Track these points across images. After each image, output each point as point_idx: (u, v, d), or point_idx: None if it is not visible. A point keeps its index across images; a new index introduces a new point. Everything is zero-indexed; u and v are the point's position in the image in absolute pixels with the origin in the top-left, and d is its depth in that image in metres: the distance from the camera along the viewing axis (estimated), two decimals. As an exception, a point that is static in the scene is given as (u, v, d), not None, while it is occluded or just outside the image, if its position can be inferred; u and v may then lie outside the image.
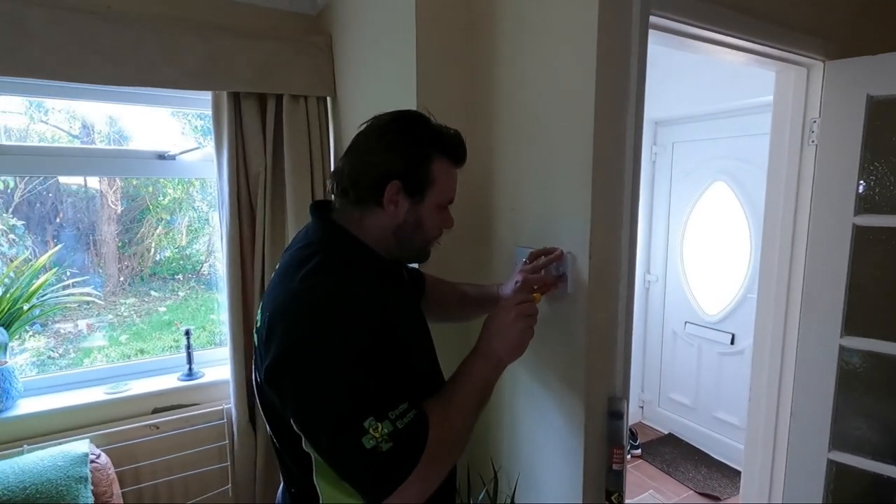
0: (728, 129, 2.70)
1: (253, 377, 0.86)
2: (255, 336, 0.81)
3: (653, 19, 1.04)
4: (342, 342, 0.69)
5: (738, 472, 2.67)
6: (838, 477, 1.50)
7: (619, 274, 1.06)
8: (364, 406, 0.67)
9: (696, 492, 2.57)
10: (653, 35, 1.06)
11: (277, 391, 0.73)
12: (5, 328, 1.50)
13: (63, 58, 1.41)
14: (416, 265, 1.11)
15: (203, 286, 2.10)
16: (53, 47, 1.40)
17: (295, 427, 0.74)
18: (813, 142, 1.45)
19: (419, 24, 1.25)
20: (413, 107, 1.25)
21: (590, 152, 0.99)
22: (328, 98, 1.84)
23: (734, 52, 1.27)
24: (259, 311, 0.81)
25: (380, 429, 0.66)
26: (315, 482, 0.78)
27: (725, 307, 2.78)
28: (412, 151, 0.81)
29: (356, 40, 1.62)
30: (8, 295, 1.53)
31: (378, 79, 1.51)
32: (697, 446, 2.96)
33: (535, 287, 0.98)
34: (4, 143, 1.59)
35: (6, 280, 1.55)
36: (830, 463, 1.49)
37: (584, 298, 1.02)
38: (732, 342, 2.75)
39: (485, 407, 0.82)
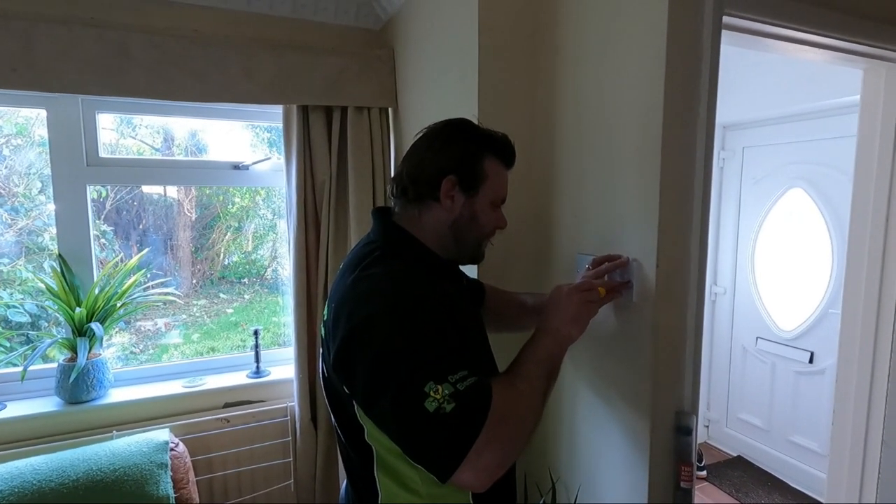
0: (806, 133, 2.53)
1: (319, 371, 0.90)
2: (322, 329, 0.86)
3: (726, 20, 1.00)
4: (401, 316, 0.73)
5: (818, 503, 2.46)
6: (940, 514, 1.35)
7: (689, 283, 1.01)
8: (423, 372, 0.69)
9: (769, 521, 2.40)
10: (726, 36, 1.02)
11: (345, 374, 0.76)
12: (100, 323, 1.65)
13: (159, 78, 1.56)
14: (475, 276, 1.12)
15: (266, 290, 2.21)
16: (150, 69, 1.55)
17: (359, 415, 0.78)
18: (908, 144, 1.34)
19: (482, 35, 1.27)
20: (474, 116, 1.27)
21: (658, 157, 0.96)
22: (390, 109, 1.90)
23: (817, 50, 1.20)
24: (326, 306, 0.86)
25: (440, 391, 0.67)
26: (375, 476, 0.80)
27: (803, 323, 2.58)
28: (465, 149, 0.87)
29: (418, 53, 1.67)
30: (103, 293, 1.68)
31: (439, 90, 1.55)
32: (770, 471, 2.76)
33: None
34: (105, 156, 1.76)
35: (100, 282, 1.71)
36: (931, 498, 1.34)
37: (651, 308, 0.99)
38: (811, 361, 2.54)
39: (554, 382, 0.82)
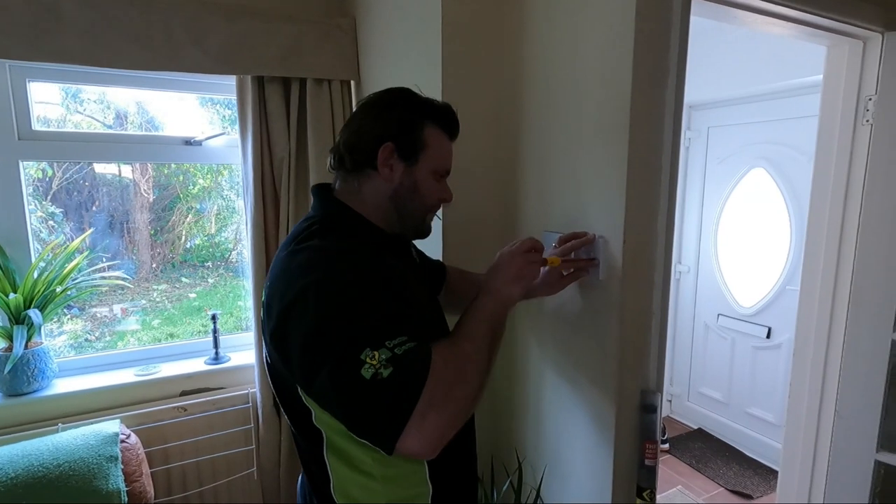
0: (769, 113, 2.56)
1: (264, 357, 0.86)
2: (262, 311, 0.81)
3: (696, -13, 0.97)
4: (337, 286, 0.69)
5: (772, 471, 2.57)
6: (886, 479, 1.42)
7: (655, 261, 1.00)
8: (359, 339, 0.66)
9: (726, 489, 2.49)
10: (695, 6, 0.99)
11: (282, 352, 0.73)
12: (40, 310, 1.53)
13: (95, 43, 1.42)
14: (439, 255, 1.08)
15: (231, 273, 2.12)
16: (85, 32, 1.40)
17: (304, 399, 0.74)
18: (868, 121, 1.35)
19: (445, 4, 1.20)
20: (438, 89, 1.22)
21: (625, 132, 0.93)
22: (352, 82, 1.81)
23: (784, 23, 1.18)
24: (264, 287, 0.82)
25: (377, 356, 0.64)
26: (326, 460, 0.78)
27: (762, 299, 2.66)
28: (403, 116, 0.84)
29: (382, 22, 1.59)
30: (43, 278, 1.56)
31: (403, 61, 1.47)
32: (729, 442, 2.87)
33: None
34: (40, 129, 1.61)
35: (41, 264, 1.59)
36: (878, 464, 1.40)
37: (617, 285, 0.97)
38: (769, 336, 2.63)
39: (499, 342, 0.80)
